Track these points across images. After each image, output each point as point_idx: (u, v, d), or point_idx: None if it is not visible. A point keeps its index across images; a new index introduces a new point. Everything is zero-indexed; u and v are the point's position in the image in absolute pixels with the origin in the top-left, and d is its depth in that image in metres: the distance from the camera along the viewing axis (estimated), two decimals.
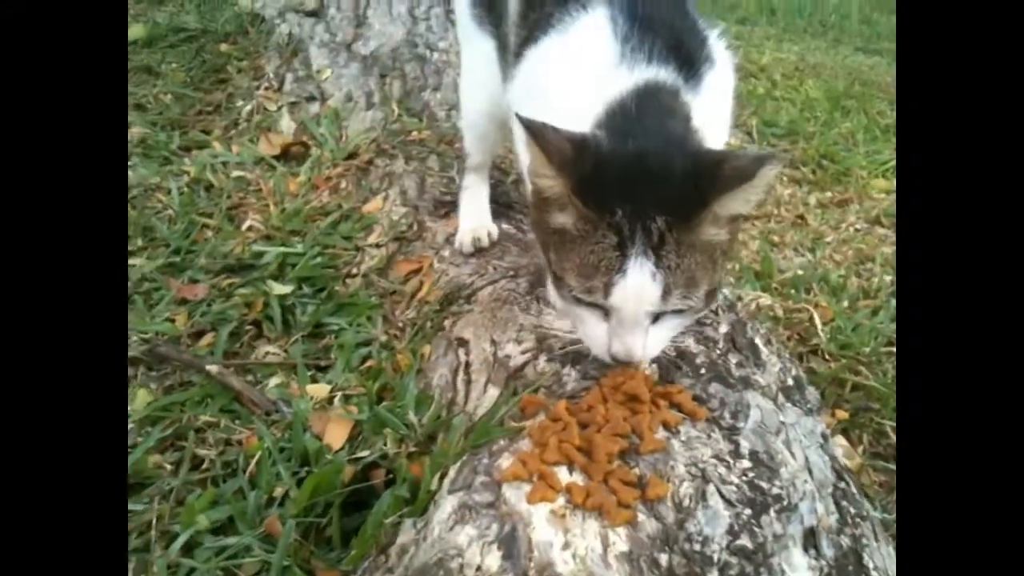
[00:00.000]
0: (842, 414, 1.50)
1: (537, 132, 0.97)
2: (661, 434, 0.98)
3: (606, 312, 1.01)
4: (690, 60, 1.13)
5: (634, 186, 0.98)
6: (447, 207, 1.90)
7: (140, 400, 1.38)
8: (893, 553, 1.09)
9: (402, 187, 2.01)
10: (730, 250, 1.09)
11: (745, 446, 0.99)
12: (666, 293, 0.97)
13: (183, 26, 2.98)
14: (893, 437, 1.48)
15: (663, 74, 1.10)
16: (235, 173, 2.15)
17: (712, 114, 1.14)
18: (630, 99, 1.08)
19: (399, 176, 2.06)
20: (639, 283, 0.96)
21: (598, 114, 1.08)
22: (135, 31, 2.87)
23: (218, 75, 2.74)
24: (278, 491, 1.18)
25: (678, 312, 1.02)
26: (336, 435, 1.27)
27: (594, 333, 1.04)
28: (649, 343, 1.03)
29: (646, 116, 1.07)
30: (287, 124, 2.45)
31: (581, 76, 1.13)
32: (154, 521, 1.12)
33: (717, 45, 1.21)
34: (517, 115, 0.99)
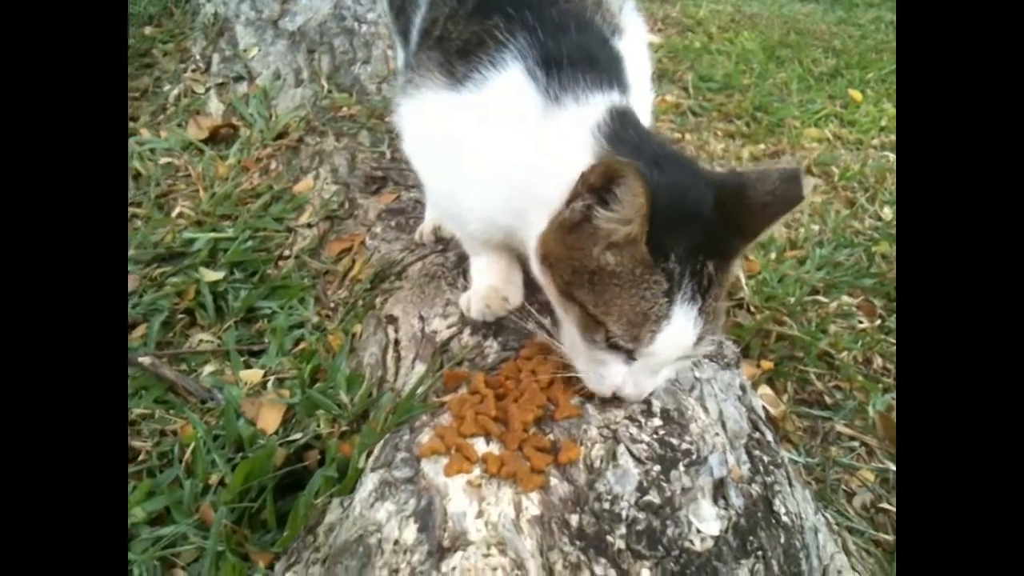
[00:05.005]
0: (767, 364, 1.55)
1: (644, 175, 0.83)
2: (576, 400, 1.02)
3: (632, 355, 0.94)
4: (614, 74, 1.06)
5: (682, 225, 0.89)
6: (378, 183, 1.91)
7: None
8: (809, 496, 1.14)
9: (333, 165, 2.01)
10: None
11: (657, 405, 1.02)
12: (699, 339, 0.92)
13: None
14: (816, 384, 1.54)
15: (615, 96, 1.02)
16: (163, 160, 2.12)
17: (642, 111, 1.08)
18: (618, 121, 0.98)
19: (329, 154, 2.05)
20: (682, 331, 0.90)
21: (596, 142, 0.97)
22: None
23: (143, 59, 2.69)
24: (213, 478, 1.19)
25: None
26: (269, 419, 1.29)
27: (609, 373, 0.95)
28: (657, 382, 0.99)
29: (645, 140, 0.98)
30: (216, 106, 2.42)
31: (511, 131, 1.04)
32: None
33: (624, 34, 1.15)
34: (614, 159, 0.86)
